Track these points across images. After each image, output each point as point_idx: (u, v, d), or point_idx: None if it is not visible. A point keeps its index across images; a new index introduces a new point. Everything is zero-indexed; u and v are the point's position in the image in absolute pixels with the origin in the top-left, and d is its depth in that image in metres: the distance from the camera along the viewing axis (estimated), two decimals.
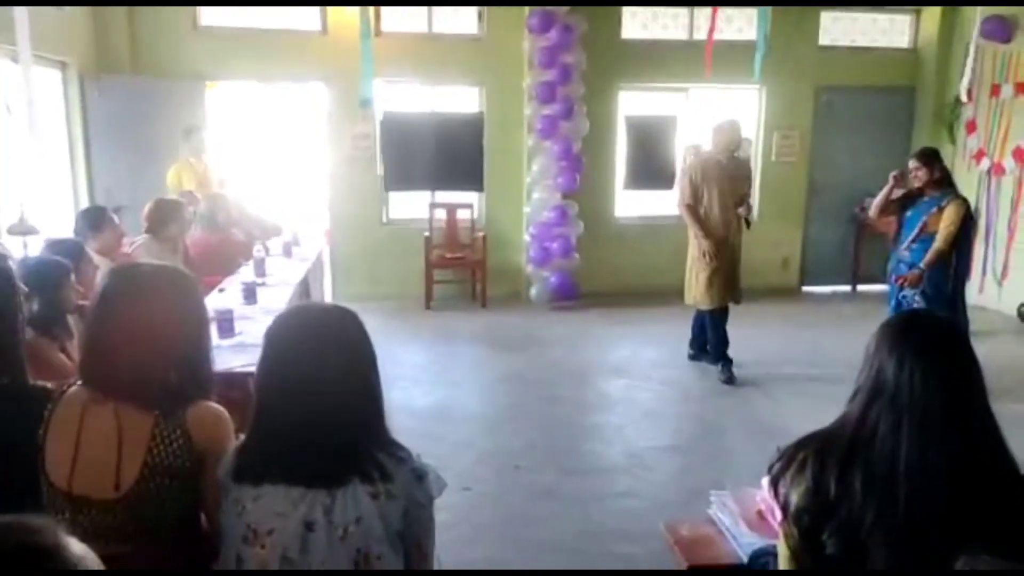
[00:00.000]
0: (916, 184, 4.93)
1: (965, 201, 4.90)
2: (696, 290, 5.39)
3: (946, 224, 4.74)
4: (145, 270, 1.72)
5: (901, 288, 4.88)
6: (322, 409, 1.45)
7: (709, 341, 5.54)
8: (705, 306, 5.41)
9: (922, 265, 4.76)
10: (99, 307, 1.65)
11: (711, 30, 7.01)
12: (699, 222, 5.25)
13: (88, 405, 1.58)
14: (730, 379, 5.38)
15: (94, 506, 1.54)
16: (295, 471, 1.44)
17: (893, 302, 5.06)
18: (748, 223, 5.46)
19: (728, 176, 5.26)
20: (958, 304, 5.03)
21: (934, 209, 4.82)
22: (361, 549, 1.43)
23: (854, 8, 8.12)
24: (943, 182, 4.87)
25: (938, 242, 4.73)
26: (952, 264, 4.85)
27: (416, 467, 1.53)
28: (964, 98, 6.99)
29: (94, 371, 1.61)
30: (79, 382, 1.63)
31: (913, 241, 4.92)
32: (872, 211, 5.26)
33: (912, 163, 4.93)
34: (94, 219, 4.24)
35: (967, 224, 4.87)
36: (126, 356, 1.57)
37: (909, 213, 4.98)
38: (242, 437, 1.55)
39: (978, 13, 6.91)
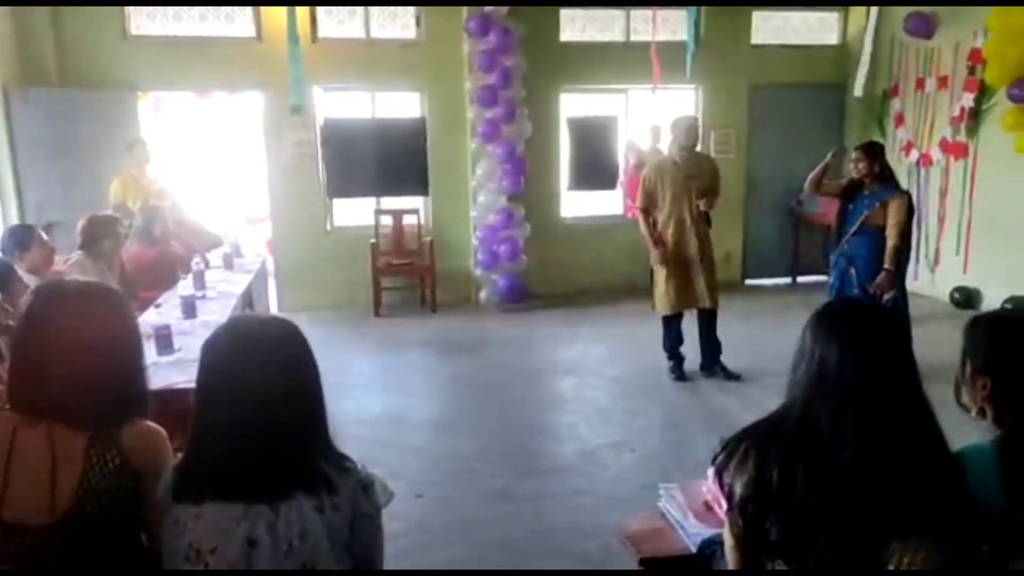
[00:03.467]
0: (855, 175, 5.04)
1: (908, 195, 5.02)
2: (655, 294, 5.37)
3: (895, 221, 4.82)
4: (70, 287, 1.67)
5: (875, 297, 4.81)
6: (262, 423, 1.42)
7: (666, 339, 5.44)
8: (661, 311, 5.34)
9: (887, 266, 4.83)
10: (24, 327, 1.60)
11: (653, 36, 7.10)
12: (649, 229, 5.21)
13: (18, 429, 1.52)
14: (680, 376, 5.39)
15: (28, 532, 1.48)
16: (236, 487, 1.41)
17: (833, 293, 5.18)
18: (708, 219, 5.27)
19: (684, 174, 5.13)
20: (903, 291, 5.17)
21: (876, 204, 4.93)
22: (307, 564, 1.41)
23: (783, 8, 8.34)
24: (884, 177, 4.96)
25: (893, 239, 4.82)
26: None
27: (362, 477, 1.51)
28: (858, 92, 7.15)
29: (22, 393, 1.56)
30: (7, 406, 1.57)
31: (854, 234, 5.03)
32: (807, 184, 5.27)
33: (855, 154, 5.06)
34: (20, 237, 4.10)
35: (911, 217, 5.00)
36: (54, 376, 1.52)
37: (851, 207, 5.09)
38: (179, 455, 1.51)
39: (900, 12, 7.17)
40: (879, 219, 4.91)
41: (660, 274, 5.28)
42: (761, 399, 4.52)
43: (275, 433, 1.43)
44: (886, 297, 4.86)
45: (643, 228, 5.26)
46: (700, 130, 5.36)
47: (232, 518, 1.39)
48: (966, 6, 6.95)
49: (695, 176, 5.17)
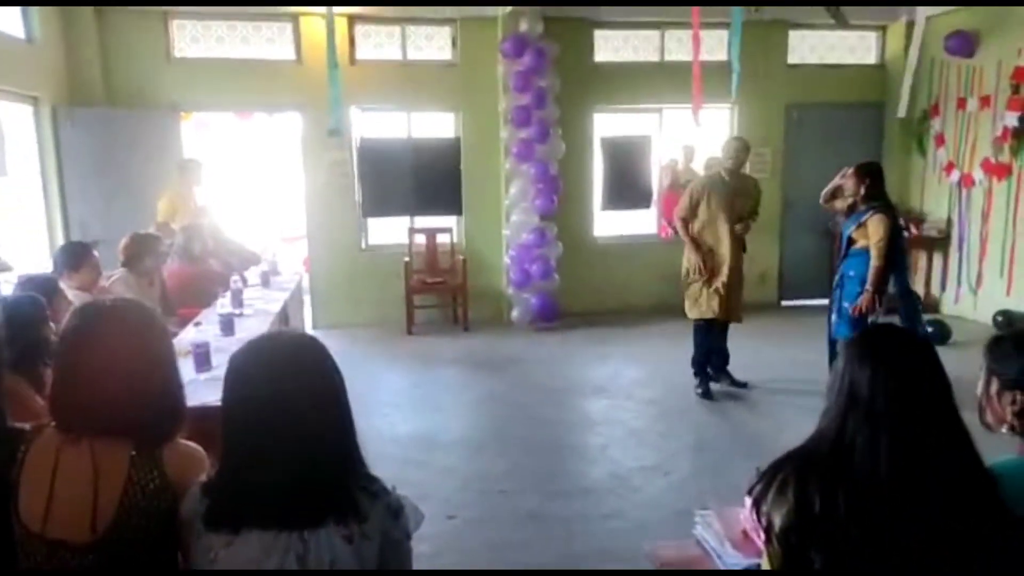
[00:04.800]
0: (845, 194, 4.91)
1: (888, 213, 4.73)
2: (687, 301, 5.48)
3: (874, 240, 4.66)
4: (104, 306, 1.69)
5: (859, 317, 4.71)
6: (291, 445, 1.39)
7: (702, 353, 5.49)
8: (692, 315, 5.46)
9: (868, 287, 4.67)
10: (63, 347, 1.63)
11: (696, 57, 7.07)
12: (690, 235, 5.36)
13: (63, 446, 1.55)
14: (706, 393, 5.42)
15: (69, 549, 1.51)
16: (269, 513, 1.39)
17: (830, 315, 5.06)
18: (744, 244, 5.39)
19: (729, 192, 5.28)
20: (915, 318, 5.02)
21: (854, 225, 4.82)
22: None
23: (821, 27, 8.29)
24: (871, 197, 4.75)
25: (873, 260, 4.65)
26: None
27: (391, 502, 1.48)
28: (901, 112, 7.09)
29: (64, 411, 1.59)
30: (52, 423, 1.61)
31: (844, 256, 4.95)
32: (821, 198, 5.23)
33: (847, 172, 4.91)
34: (74, 256, 4.20)
35: (897, 235, 4.79)
36: (95, 393, 1.54)
37: (843, 228, 5.01)
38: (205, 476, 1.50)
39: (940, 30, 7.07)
40: (862, 239, 4.76)
41: (696, 282, 5.38)
42: (796, 422, 4.44)
43: (305, 454, 1.40)
44: (870, 319, 4.69)
45: (684, 234, 5.41)
46: (748, 152, 5.43)
47: (263, 548, 1.37)
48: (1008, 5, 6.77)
49: (741, 195, 5.33)
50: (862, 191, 4.77)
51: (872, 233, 4.68)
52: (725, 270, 5.29)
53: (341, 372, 1.52)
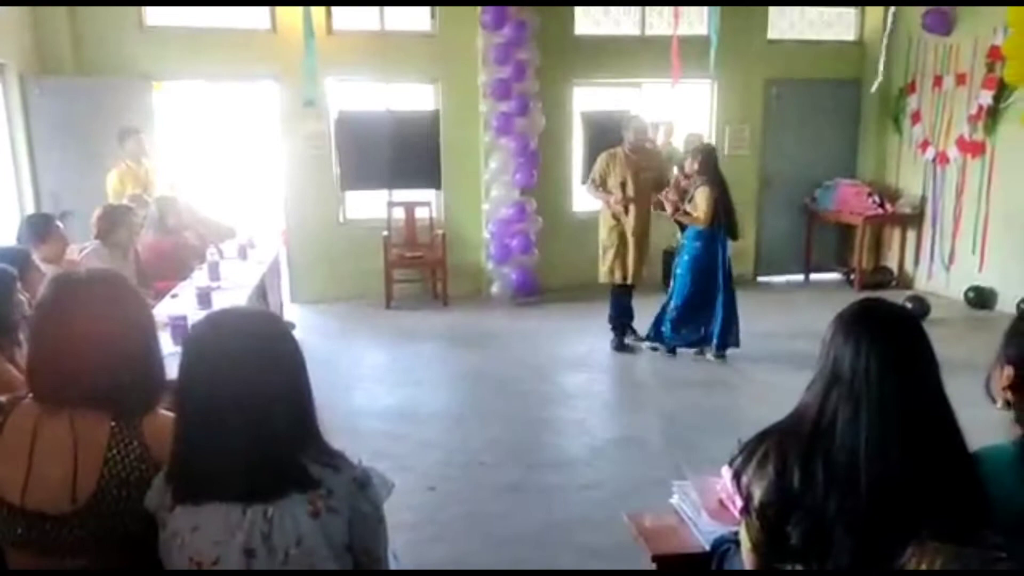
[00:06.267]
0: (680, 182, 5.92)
1: (712, 186, 5.49)
2: (603, 268, 5.96)
3: (700, 207, 5.51)
4: (81, 276, 1.67)
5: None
6: (242, 415, 1.38)
7: (619, 314, 6.04)
8: (610, 280, 5.95)
9: (678, 207, 5.66)
10: (40, 317, 1.61)
11: (675, 31, 7.08)
12: (598, 190, 5.86)
13: (41, 418, 1.54)
14: (619, 347, 5.98)
15: (49, 521, 1.50)
16: (227, 483, 1.38)
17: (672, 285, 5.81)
18: (665, 207, 5.81)
19: (632, 166, 5.73)
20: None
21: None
22: (306, 569, 1.39)
23: (800, 4, 8.29)
24: (701, 172, 5.55)
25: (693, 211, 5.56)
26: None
27: (358, 475, 1.47)
28: (873, 89, 7.31)
29: (43, 382, 1.57)
30: (29, 395, 1.59)
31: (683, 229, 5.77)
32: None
33: None
34: (39, 227, 4.13)
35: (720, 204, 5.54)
36: (74, 363, 1.52)
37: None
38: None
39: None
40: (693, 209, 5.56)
41: (611, 248, 5.87)
42: (768, 396, 4.51)
43: (261, 430, 1.39)
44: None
45: (595, 193, 5.93)
46: (647, 131, 6.06)
47: (228, 528, 1.37)
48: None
49: (645, 169, 5.79)
50: (695, 167, 5.57)
51: (698, 203, 5.51)
52: (632, 239, 5.77)
53: (300, 349, 1.50)
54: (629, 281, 5.88)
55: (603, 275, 6.00)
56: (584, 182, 8.14)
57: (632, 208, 5.74)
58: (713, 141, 8.30)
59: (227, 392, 1.39)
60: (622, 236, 5.81)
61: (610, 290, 6.05)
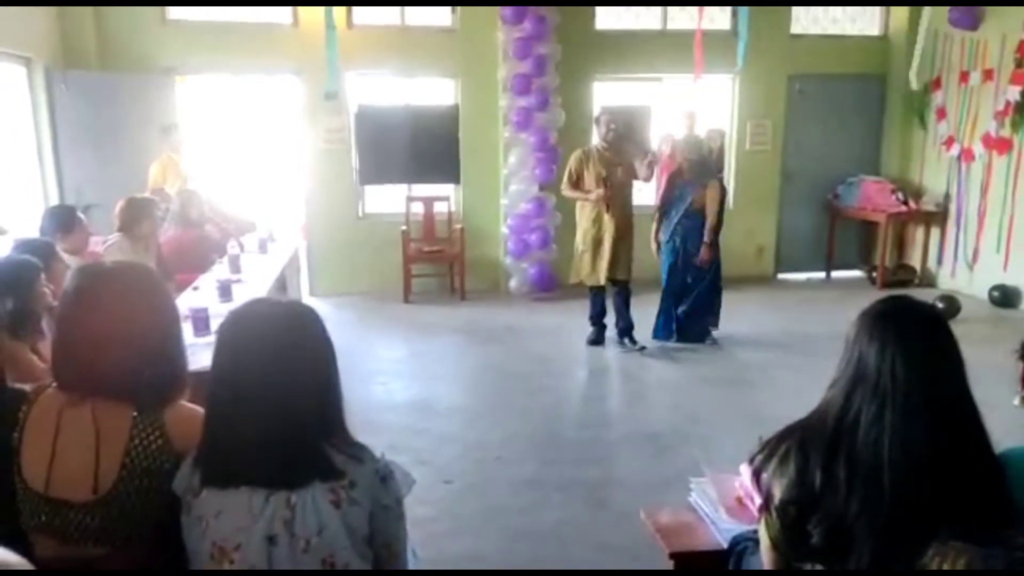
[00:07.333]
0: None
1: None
2: (583, 269, 5.88)
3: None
4: (108, 268, 1.70)
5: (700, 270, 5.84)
6: (275, 408, 1.41)
7: (598, 312, 6.01)
8: (590, 283, 5.89)
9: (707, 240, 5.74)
10: (65, 308, 1.63)
11: (699, 26, 7.04)
12: (573, 188, 5.83)
13: (65, 408, 1.56)
14: (595, 342, 5.98)
15: (72, 508, 1.52)
16: (253, 468, 1.41)
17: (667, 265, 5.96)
18: (650, 169, 5.81)
19: (606, 162, 5.73)
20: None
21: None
22: (326, 560, 1.41)
23: (825, 4, 8.20)
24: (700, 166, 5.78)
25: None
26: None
27: (379, 467, 1.48)
28: (914, 85, 7.17)
29: (67, 372, 1.59)
30: (54, 384, 1.61)
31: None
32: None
33: None
34: (63, 219, 4.18)
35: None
36: (98, 354, 1.54)
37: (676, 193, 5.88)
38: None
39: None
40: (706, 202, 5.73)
41: (587, 252, 5.83)
42: (787, 394, 4.48)
43: (289, 420, 1.41)
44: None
45: (572, 192, 5.88)
46: (617, 126, 5.93)
47: (251, 514, 1.39)
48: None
49: (616, 164, 5.76)
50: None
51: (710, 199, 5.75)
52: (608, 239, 5.72)
53: (332, 342, 1.52)
54: (601, 282, 5.85)
55: (573, 277, 6.03)
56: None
57: (611, 204, 5.71)
58: (734, 136, 8.27)
59: (255, 379, 1.42)
60: (597, 240, 5.77)
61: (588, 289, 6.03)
